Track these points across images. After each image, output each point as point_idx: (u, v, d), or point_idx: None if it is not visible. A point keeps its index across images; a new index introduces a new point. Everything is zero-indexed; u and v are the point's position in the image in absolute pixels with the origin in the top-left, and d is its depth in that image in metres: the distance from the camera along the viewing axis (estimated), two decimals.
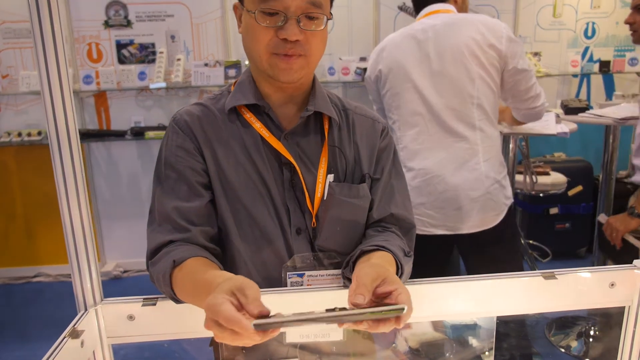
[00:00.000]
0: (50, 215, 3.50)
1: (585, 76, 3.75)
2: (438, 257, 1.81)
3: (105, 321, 0.89)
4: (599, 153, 3.52)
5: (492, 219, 1.68)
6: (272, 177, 0.95)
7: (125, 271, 3.65)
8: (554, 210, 3.46)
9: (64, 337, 0.80)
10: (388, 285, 0.71)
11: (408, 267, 0.93)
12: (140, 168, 3.57)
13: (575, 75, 3.72)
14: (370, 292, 0.70)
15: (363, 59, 3.45)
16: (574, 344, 2.57)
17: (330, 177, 0.97)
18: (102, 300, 0.90)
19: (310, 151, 0.98)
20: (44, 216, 3.52)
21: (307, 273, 0.95)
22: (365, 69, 3.38)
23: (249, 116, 0.97)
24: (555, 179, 2.81)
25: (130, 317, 0.90)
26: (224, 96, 1.01)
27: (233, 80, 1.05)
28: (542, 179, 2.67)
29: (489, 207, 1.66)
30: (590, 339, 2.55)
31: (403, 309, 0.62)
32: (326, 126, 0.99)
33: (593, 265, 2.59)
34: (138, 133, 3.35)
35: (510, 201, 1.73)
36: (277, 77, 0.91)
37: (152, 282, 0.90)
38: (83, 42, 3.38)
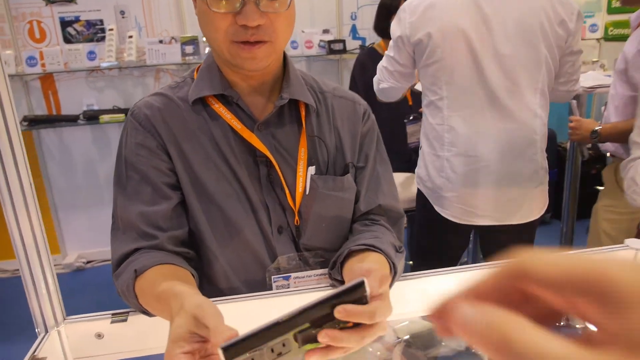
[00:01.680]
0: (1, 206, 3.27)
1: None
2: (464, 241, 1.75)
3: (70, 342, 0.80)
4: (562, 120, 3.57)
5: (542, 209, 1.61)
6: (246, 174, 0.86)
7: (88, 262, 3.48)
8: None
9: None
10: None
11: (401, 265, 0.87)
12: (97, 154, 3.37)
13: None
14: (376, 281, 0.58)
15: (326, 32, 3.33)
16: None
17: (312, 169, 0.89)
18: (64, 319, 0.80)
19: (287, 142, 0.89)
20: None
21: (294, 275, 0.88)
22: (329, 42, 3.26)
23: (218, 106, 0.87)
24: None
25: (99, 336, 0.80)
26: (187, 84, 0.90)
27: (194, 63, 0.93)
28: None
29: (542, 198, 1.58)
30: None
31: (362, 282, 0.51)
32: (303, 113, 0.90)
33: (561, 232, 2.65)
34: (91, 117, 3.14)
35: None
36: (242, 67, 0.82)
37: (120, 296, 0.81)
38: (23, 21, 3.10)
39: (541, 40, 1.46)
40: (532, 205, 1.59)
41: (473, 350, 1.04)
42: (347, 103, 0.96)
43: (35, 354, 0.73)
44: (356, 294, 0.51)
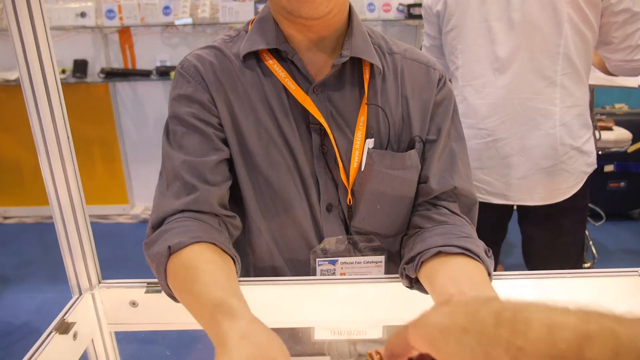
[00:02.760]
0: (78, 156, 3.42)
1: None
2: (495, 218, 1.58)
3: (104, 307, 0.76)
4: None
5: (565, 191, 1.43)
6: (298, 142, 0.77)
7: None
8: (609, 168, 3.16)
9: (50, 332, 0.67)
10: None
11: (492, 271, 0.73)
12: (167, 109, 3.42)
13: None
14: None
15: None
16: None
17: (370, 142, 0.77)
18: (99, 282, 0.76)
19: (345, 108, 0.78)
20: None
21: (341, 260, 0.78)
22: (409, 6, 3.06)
23: (272, 62, 0.77)
24: (618, 135, 2.50)
25: (133, 304, 0.76)
26: (241, 37, 0.80)
27: (251, 18, 0.83)
28: (605, 135, 2.38)
29: (561, 178, 1.40)
30: None
31: None
32: (366, 75, 0.78)
33: None
34: (164, 73, 3.18)
35: (592, 168, 1.46)
36: (298, 12, 0.70)
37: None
38: None
39: (564, 0, 1.28)
40: (552, 185, 1.41)
41: None
42: (420, 67, 0.83)
43: (64, 318, 0.69)
44: None
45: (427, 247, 0.70)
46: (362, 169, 0.77)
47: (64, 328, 0.68)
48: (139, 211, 3.58)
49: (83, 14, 3.05)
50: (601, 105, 3.33)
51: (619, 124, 2.72)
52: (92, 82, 3.24)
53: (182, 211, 0.72)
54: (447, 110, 0.82)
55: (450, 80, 1.55)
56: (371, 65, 0.78)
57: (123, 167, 3.54)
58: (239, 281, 0.76)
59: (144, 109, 3.43)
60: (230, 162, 0.78)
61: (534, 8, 1.31)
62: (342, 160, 0.77)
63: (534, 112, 1.38)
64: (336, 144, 0.77)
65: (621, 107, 3.26)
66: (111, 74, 3.19)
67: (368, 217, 0.79)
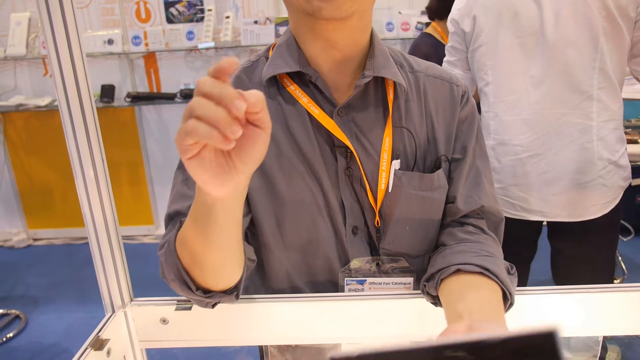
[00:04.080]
0: (112, 176, 3.52)
1: None
2: (525, 236, 1.57)
3: (136, 324, 0.78)
4: None
5: (603, 207, 1.41)
6: (323, 167, 0.76)
7: None
8: (637, 182, 3.09)
9: (86, 349, 0.69)
10: None
11: (514, 289, 0.72)
12: None
13: None
14: None
15: (424, 12, 3.14)
16: None
17: (396, 163, 0.77)
18: (131, 300, 0.79)
19: (370, 130, 0.77)
20: None
21: (369, 280, 0.78)
22: (427, 24, 3.08)
23: (293, 88, 0.76)
24: None
25: (164, 321, 0.78)
26: (261, 63, 0.80)
27: (272, 42, 0.83)
28: (630, 149, 2.33)
29: (599, 194, 1.38)
30: None
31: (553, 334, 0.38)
32: (390, 96, 0.77)
33: None
34: (187, 95, 3.26)
35: (627, 182, 1.44)
36: (319, 13, 0.68)
37: (162, 277, 0.72)
38: (131, 1, 3.27)
39: (595, 11, 1.26)
40: (590, 201, 1.38)
41: None
42: (443, 84, 0.82)
43: (99, 335, 0.71)
44: (544, 347, 0.37)
45: (447, 265, 0.70)
46: (390, 191, 0.76)
47: (99, 344, 0.70)
48: (164, 231, 3.63)
49: (110, 41, 3.16)
50: (626, 118, 3.27)
51: None
52: (119, 106, 3.34)
53: None
54: (472, 127, 0.81)
55: (478, 97, 1.55)
56: (394, 84, 0.77)
57: (148, 189, 3.61)
58: (263, 298, 0.77)
59: (169, 132, 3.52)
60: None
61: (568, 23, 1.30)
62: (368, 182, 0.77)
63: (570, 127, 1.36)
64: (362, 166, 0.76)
65: None
66: (137, 98, 3.28)
67: (397, 238, 0.78)
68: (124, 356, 0.79)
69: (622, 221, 2.91)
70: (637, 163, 2.42)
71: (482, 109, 1.50)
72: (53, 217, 3.70)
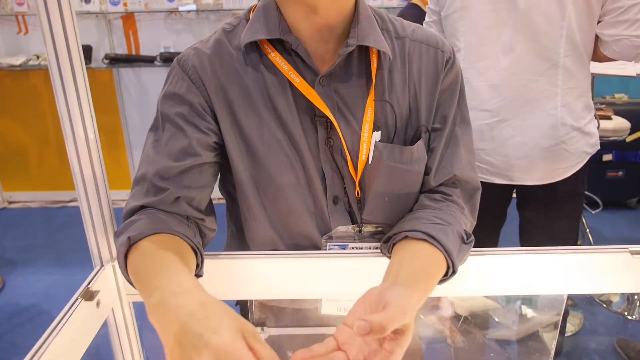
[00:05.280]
0: None
1: None
2: (494, 203, 1.62)
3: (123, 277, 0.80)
4: None
5: (565, 170, 1.47)
6: (303, 137, 0.76)
7: None
8: (607, 157, 3.20)
9: (76, 299, 0.71)
10: (390, 345, 0.55)
11: (464, 259, 0.75)
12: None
13: None
14: (385, 333, 0.52)
15: None
16: (615, 298, 2.45)
17: (377, 135, 0.76)
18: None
19: (352, 100, 0.76)
20: None
21: (351, 245, 0.81)
22: None
23: (274, 55, 0.75)
24: (617, 124, 2.53)
25: None
26: (242, 26, 0.78)
27: (254, 4, 0.80)
28: (603, 124, 2.41)
29: (561, 158, 1.44)
30: (635, 296, 2.42)
31: None
32: (374, 64, 0.76)
33: None
34: (168, 59, 3.21)
35: (594, 149, 1.48)
36: None
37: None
38: None
39: None
40: (552, 165, 1.45)
41: (539, 333, 0.96)
42: (429, 50, 0.80)
43: (89, 286, 0.74)
44: None
45: (399, 230, 0.73)
46: (370, 163, 0.77)
47: (89, 295, 0.72)
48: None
49: (87, 0, 3.07)
50: (601, 95, 3.35)
51: (618, 113, 2.75)
52: (96, 67, 3.27)
53: (148, 207, 0.73)
54: (454, 96, 0.81)
55: None
56: (379, 52, 0.76)
57: (127, 153, 3.58)
58: (246, 256, 0.80)
59: (148, 95, 3.46)
60: (216, 166, 0.78)
61: None
62: (349, 153, 0.77)
63: (536, 93, 1.40)
64: (343, 137, 0.76)
65: (621, 97, 3.29)
66: (115, 60, 3.21)
67: (377, 209, 0.80)
68: (112, 309, 0.81)
69: (591, 194, 3.04)
70: (609, 138, 2.50)
71: None
72: (28, 179, 3.64)
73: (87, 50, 3.24)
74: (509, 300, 1.01)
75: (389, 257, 0.75)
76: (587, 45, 1.39)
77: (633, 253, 0.80)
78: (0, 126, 3.52)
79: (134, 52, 3.36)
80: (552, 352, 0.92)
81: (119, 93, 3.44)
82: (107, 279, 0.79)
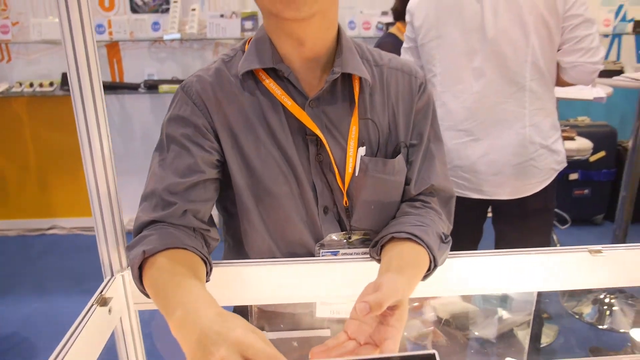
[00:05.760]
0: (64, 167, 3.48)
1: (617, 36, 3.57)
2: (471, 219, 1.74)
3: (132, 286, 0.86)
4: (625, 118, 3.39)
5: (534, 186, 1.59)
6: (295, 154, 0.85)
7: None
8: (573, 176, 3.38)
9: (92, 305, 0.77)
10: (391, 320, 0.64)
11: (444, 256, 0.84)
12: (154, 122, 3.51)
13: (606, 35, 3.54)
14: (380, 310, 0.62)
15: (385, 13, 3.30)
16: (587, 310, 2.57)
17: (362, 150, 0.87)
18: (128, 265, 0.87)
19: (338, 120, 0.86)
20: (58, 168, 3.51)
21: (342, 251, 0.89)
22: (387, 24, 3.24)
23: (269, 82, 0.85)
24: (580, 145, 2.70)
25: None
26: (238, 57, 0.88)
27: (249, 36, 0.90)
28: (567, 145, 2.57)
29: (530, 174, 1.56)
30: (605, 307, 2.54)
31: (434, 354, 0.56)
32: (356, 89, 0.86)
33: (614, 235, 2.55)
34: (152, 86, 3.27)
35: (561, 166, 1.62)
36: (282, 14, 0.75)
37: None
38: None
39: (527, 12, 1.45)
40: (522, 181, 1.57)
41: (513, 332, 1.05)
42: (404, 77, 0.91)
43: (102, 293, 0.80)
44: None
45: (386, 234, 0.83)
46: (357, 174, 0.86)
47: (103, 301, 0.78)
48: (125, 222, 3.62)
49: None
50: (565, 118, 3.56)
51: (581, 134, 2.93)
52: None
53: (157, 222, 0.79)
54: (427, 116, 0.93)
55: None
56: (360, 79, 0.86)
57: None
58: (244, 263, 0.87)
59: (131, 122, 3.51)
60: (217, 182, 0.86)
61: (504, 22, 1.48)
62: (337, 167, 0.86)
63: (506, 114, 1.54)
64: (331, 153, 0.85)
65: (583, 119, 3.50)
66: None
67: (364, 216, 0.89)
68: (120, 318, 0.87)
69: (560, 211, 3.20)
70: (573, 157, 2.67)
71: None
72: (6, 207, 3.61)
73: None
74: (486, 302, 1.10)
75: (378, 260, 0.83)
76: (551, 69, 1.54)
77: (592, 252, 0.90)
78: None
79: (117, 80, 3.42)
80: (526, 348, 1.01)
81: None
82: (117, 288, 0.85)
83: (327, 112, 0.86)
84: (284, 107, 0.84)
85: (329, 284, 0.88)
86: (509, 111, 1.54)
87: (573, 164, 3.14)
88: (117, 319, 0.85)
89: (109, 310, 0.80)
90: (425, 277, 0.79)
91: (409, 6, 1.66)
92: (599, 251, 0.90)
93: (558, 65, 1.58)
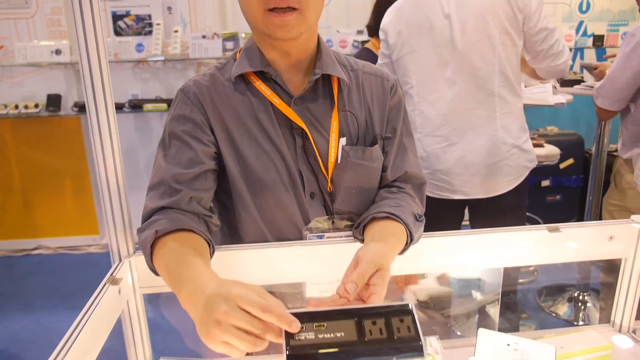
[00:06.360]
0: (49, 187, 3.51)
1: (578, 50, 3.80)
2: (451, 219, 1.86)
3: (138, 271, 0.94)
4: (590, 127, 3.59)
5: (508, 183, 1.72)
6: (284, 145, 0.96)
7: None
8: (545, 183, 3.55)
9: (105, 284, 0.84)
10: (374, 280, 0.75)
11: (419, 233, 0.95)
12: (139, 141, 3.57)
13: (569, 49, 3.76)
14: (364, 281, 0.74)
15: (360, 32, 3.46)
16: (564, 308, 2.69)
17: (343, 140, 0.98)
18: (134, 252, 0.95)
19: (320, 116, 0.98)
20: (42, 189, 3.53)
21: (327, 235, 1.00)
22: (362, 42, 3.39)
23: (258, 84, 0.97)
24: (549, 151, 2.88)
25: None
26: (230, 64, 1.00)
27: (233, 51, 1.02)
28: (536, 151, 2.74)
29: (505, 172, 1.70)
30: (580, 304, 2.67)
31: (408, 305, 0.67)
32: (335, 89, 0.99)
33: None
34: (136, 106, 3.35)
35: (533, 164, 1.76)
36: (274, 35, 0.89)
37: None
38: None
39: (492, 25, 1.61)
40: (496, 179, 1.71)
41: (485, 309, 1.16)
42: (376, 79, 1.04)
43: (113, 274, 0.87)
44: (401, 313, 0.66)
45: (367, 215, 0.94)
46: (339, 162, 0.98)
47: (115, 281, 0.86)
48: (109, 241, 3.64)
49: (58, 51, 3.21)
50: (535, 127, 3.74)
51: (550, 142, 3.10)
52: (65, 115, 3.37)
53: (165, 208, 0.89)
54: (399, 112, 1.05)
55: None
56: (338, 80, 0.99)
57: (93, 198, 3.63)
58: (238, 247, 0.96)
59: None
60: (213, 172, 0.96)
61: (472, 35, 1.63)
62: (320, 156, 0.97)
63: (478, 119, 1.68)
64: (315, 144, 0.97)
65: (552, 129, 3.69)
66: (84, 108, 3.32)
67: (346, 200, 1.00)
68: (127, 301, 0.94)
69: (532, 215, 3.34)
70: (543, 163, 2.82)
71: (408, 108, 1.78)
72: None
73: (57, 99, 3.34)
74: (460, 284, 1.21)
75: (361, 240, 0.94)
76: (516, 76, 1.70)
77: (549, 229, 1.01)
78: None
79: None
80: (497, 322, 1.11)
81: (86, 139, 3.53)
82: (124, 272, 0.92)
83: (310, 109, 0.98)
84: (273, 105, 0.97)
85: (317, 265, 0.97)
86: (481, 116, 1.68)
87: (544, 171, 3.31)
88: (124, 301, 0.92)
89: (119, 291, 0.88)
90: (403, 250, 0.90)
91: (383, 25, 1.80)
92: (556, 228, 1.02)
93: (529, 68, 1.78)
